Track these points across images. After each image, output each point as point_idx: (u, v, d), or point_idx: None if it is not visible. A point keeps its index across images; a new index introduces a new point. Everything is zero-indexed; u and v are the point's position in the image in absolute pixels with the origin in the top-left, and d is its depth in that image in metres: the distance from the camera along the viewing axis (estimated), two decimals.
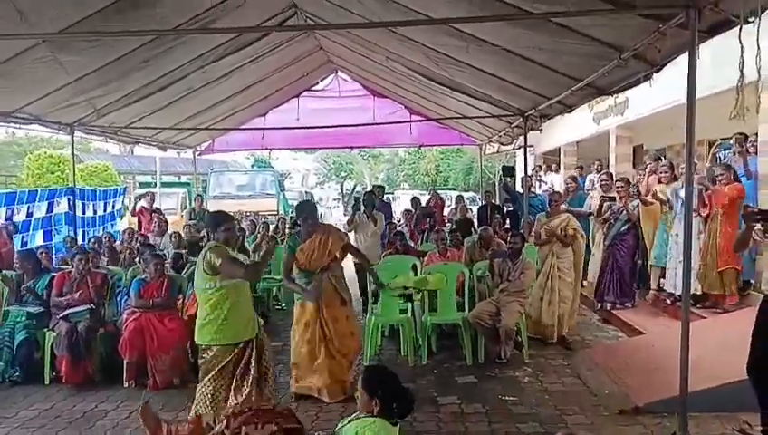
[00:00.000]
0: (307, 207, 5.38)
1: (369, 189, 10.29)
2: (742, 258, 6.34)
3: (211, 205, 13.59)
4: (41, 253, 7.00)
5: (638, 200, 7.49)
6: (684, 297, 4.07)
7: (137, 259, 6.98)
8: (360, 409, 2.81)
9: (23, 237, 9.85)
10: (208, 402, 4.02)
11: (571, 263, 6.81)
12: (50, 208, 10.82)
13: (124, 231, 9.48)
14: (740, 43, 3.25)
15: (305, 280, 5.05)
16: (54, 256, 8.26)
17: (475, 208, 13.81)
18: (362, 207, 7.63)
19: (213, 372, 4.04)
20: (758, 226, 3.43)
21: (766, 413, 3.69)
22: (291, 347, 5.18)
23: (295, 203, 18.66)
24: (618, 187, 7.66)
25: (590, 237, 8.42)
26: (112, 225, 12.99)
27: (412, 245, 8.33)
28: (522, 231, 7.64)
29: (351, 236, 7.23)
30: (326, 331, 4.99)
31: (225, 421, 3.38)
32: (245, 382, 4.07)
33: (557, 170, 14.57)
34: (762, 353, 3.64)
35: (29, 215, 10.35)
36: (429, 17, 5.73)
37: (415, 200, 11.68)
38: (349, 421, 2.83)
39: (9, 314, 5.90)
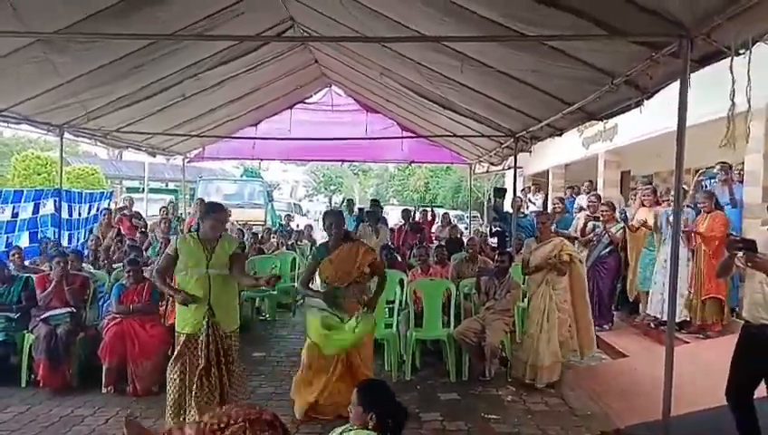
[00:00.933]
0: (335, 216, 5.02)
1: (374, 200, 10.34)
2: (727, 287, 6.40)
3: None
4: (13, 254, 6.88)
5: (623, 224, 7.57)
6: (669, 322, 4.10)
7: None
8: (353, 421, 2.79)
9: (8, 238, 9.71)
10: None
11: (566, 294, 5.95)
12: (36, 210, 10.68)
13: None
14: (731, 73, 3.31)
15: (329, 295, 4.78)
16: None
17: (461, 226, 13.84)
18: (365, 219, 7.61)
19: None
20: (740, 254, 3.47)
21: None
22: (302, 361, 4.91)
23: (284, 214, 18.72)
24: (602, 210, 7.75)
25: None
26: (93, 229, 12.90)
27: (399, 259, 8.33)
28: (510, 250, 7.68)
29: None
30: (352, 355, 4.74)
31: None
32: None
33: (541, 191, 14.69)
34: (741, 379, 3.68)
35: (14, 215, 10.22)
36: (423, 34, 5.78)
37: (406, 212, 11.68)
38: (342, 432, 2.81)
39: None
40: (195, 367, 4.14)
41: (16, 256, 6.83)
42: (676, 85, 3.90)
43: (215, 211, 4.28)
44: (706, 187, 7.90)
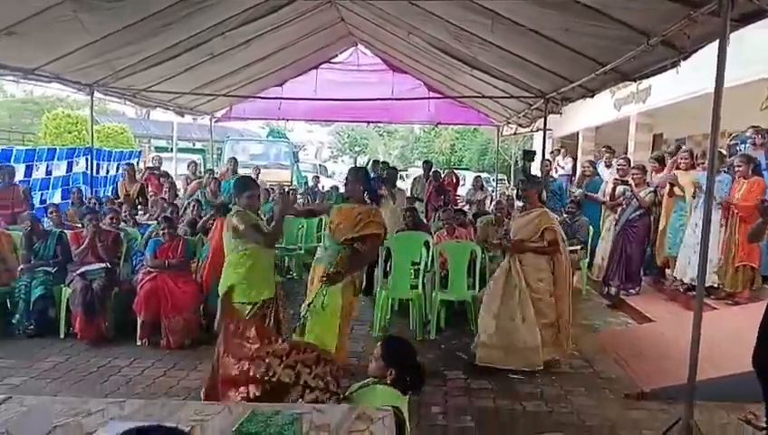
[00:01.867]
0: (359, 173, 4.93)
1: (391, 166, 9.72)
2: (760, 254, 6.28)
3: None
4: (51, 212, 7.08)
5: (652, 189, 7.43)
6: (698, 287, 4.06)
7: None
8: (371, 372, 2.86)
9: (41, 195, 9.97)
10: None
11: (549, 280, 5.16)
12: (69, 168, 10.94)
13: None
14: None
15: (326, 245, 4.77)
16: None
17: (490, 189, 13.72)
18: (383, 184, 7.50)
19: None
20: None
21: None
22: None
23: (311, 175, 18.76)
24: (633, 174, 7.62)
25: (600, 223, 8.42)
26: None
27: (425, 222, 8.35)
28: None
29: None
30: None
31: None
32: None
33: (569, 154, 14.44)
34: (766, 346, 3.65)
35: (48, 173, 10.47)
36: None
37: (427, 164, 11.59)
38: (360, 386, 2.88)
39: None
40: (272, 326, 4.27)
41: (54, 213, 7.02)
42: (711, 46, 3.78)
43: (250, 188, 4.37)
44: (740, 151, 7.70)
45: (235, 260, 4.23)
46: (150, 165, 11.11)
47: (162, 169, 11.34)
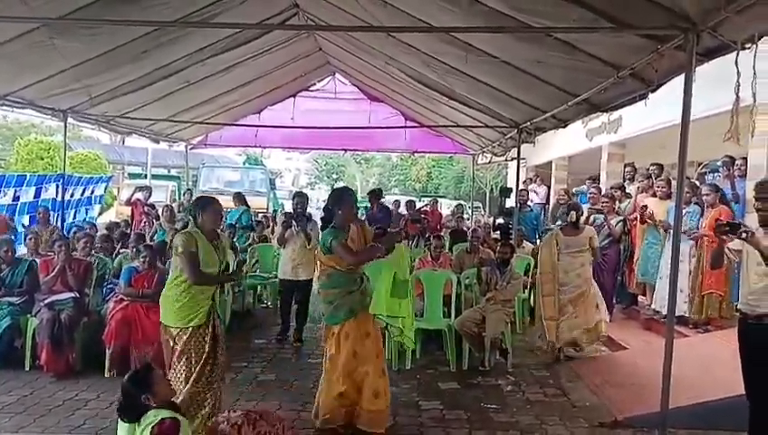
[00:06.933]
0: (345, 194, 4.48)
1: (300, 192, 7.72)
2: (728, 282, 6.37)
3: None
4: (29, 238, 6.95)
5: (622, 218, 7.54)
6: (668, 315, 4.12)
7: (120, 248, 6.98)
8: None
9: (11, 219, 9.79)
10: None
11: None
12: (37, 194, 10.78)
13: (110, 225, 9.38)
14: (736, 67, 3.31)
15: (344, 283, 4.25)
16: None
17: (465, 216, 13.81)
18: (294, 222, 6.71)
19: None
20: (726, 238, 3.54)
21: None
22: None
23: (286, 202, 18.67)
24: (603, 202, 7.73)
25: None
26: (87, 210, 13.04)
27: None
28: (512, 242, 7.69)
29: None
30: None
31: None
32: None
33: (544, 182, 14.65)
34: (747, 375, 3.67)
35: (15, 199, 10.31)
36: (430, 25, 5.77)
37: (410, 203, 11.69)
38: None
39: None
40: (200, 356, 4.09)
41: (33, 241, 6.87)
42: (681, 78, 3.90)
43: (213, 203, 4.23)
44: (709, 180, 7.88)
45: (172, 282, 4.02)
46: (140, 197, 10.87)
47: (150, 200, 11.06)
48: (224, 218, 4.46)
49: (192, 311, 3.97)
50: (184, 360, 3.95)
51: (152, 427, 2.81)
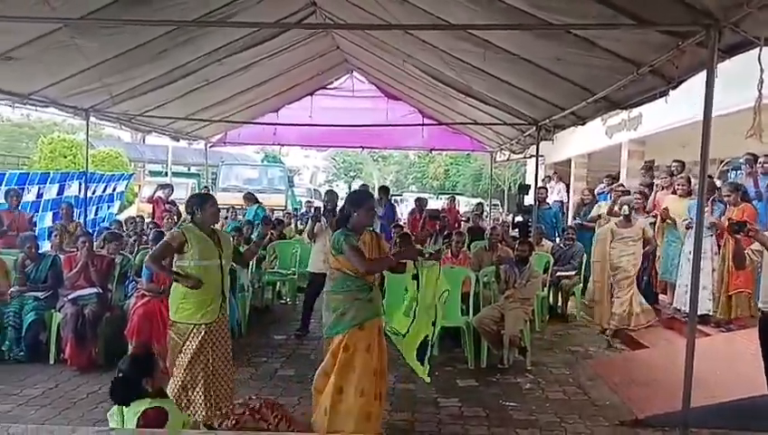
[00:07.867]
0: (364, 198, 4.27)
1: (331, 190, 8.30)
2: (755, 281, 6.27)
3: (220, 196, 13.61)
4: (55, 235, 7.07)
5: (651, 217, 7.49)
6: (690, 313, 4.08)
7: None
8: None
9: (32, 217, 9.96)
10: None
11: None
12: (60, 191, 10.94)
13: (127, 220, 9.53)
14: (759, 64, 3.27)
15: (352, 288, 3.94)
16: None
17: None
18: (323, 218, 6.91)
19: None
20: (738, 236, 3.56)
21: None
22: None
23: (304, 200, 18.77)
24: (636, 199, 7.73)
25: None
26: (108, 206, 13.20)
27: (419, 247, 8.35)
28: (530, 240, 7.65)
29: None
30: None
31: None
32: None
33: (562, 180, 14.59)
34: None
35: (39, 196, 10.48)
36: (448, 22, 5.75)
37: (419, 201, 11.69)
38: None
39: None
40: (219, 354, 4.18)
41: (57, 236, 6.99)
42: (702, 75, 3.85)
43: (210, 199, 4.31)
44: (732, 178, 7.77)
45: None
46: (161, 195, 11.04)
47: (171, 197, 11.20)
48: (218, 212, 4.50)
49: (197, 307, 4.09)
50: (187, 356, 4.08)
51: (144, 411, 2.87)
